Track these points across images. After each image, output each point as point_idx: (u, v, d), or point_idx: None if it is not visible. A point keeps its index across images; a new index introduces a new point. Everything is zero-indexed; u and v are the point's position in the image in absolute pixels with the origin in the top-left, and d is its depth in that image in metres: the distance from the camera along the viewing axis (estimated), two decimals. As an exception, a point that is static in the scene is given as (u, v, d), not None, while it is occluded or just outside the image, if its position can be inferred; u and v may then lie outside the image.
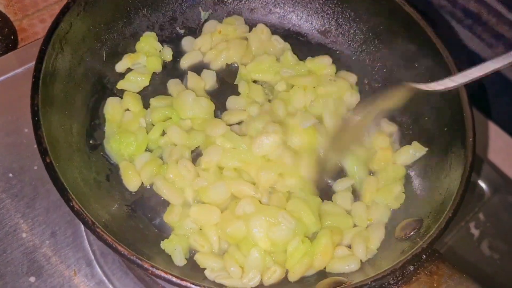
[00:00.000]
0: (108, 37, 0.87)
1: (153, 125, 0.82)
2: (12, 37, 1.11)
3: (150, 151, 0.82)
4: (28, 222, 0.89)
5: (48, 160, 0.62)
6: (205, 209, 0.73)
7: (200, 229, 0.74)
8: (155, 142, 0.81)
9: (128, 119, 0.81)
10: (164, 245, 0.72)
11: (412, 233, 0.73)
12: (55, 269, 0.86)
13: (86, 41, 0.82)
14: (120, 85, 0.85)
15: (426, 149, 0.82)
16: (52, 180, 0.61)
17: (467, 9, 1.13)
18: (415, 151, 0.83)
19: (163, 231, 0.77)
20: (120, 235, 0.66)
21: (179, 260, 0.70)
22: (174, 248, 0.70)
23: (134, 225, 0.75)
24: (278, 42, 0.94)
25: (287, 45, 0.94)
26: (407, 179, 0.84)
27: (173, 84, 0.87)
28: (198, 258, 0.71)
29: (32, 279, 0.84)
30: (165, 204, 0.78)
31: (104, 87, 0.86)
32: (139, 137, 0.79)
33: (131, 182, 0.77)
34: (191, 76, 0.87)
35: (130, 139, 0.78)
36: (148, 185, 0.79)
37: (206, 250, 0.71)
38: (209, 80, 0.89)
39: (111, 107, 0.82)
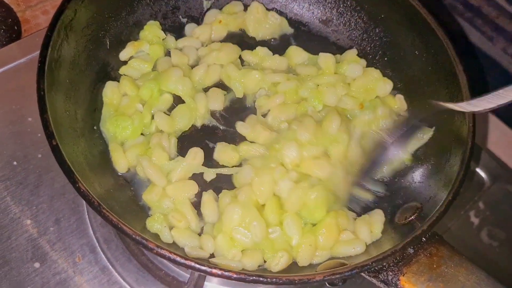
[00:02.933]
0: (112, 25, 0.88)
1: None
2: (16, 28, 1.11)
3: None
4: (33, 209, 0.90)
5: (54, 143, 0.63)
6: (182, 184, 0.75)
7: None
8: (147, 126, 0.82)
9: (125, 103, 0.82)
10: (149, 223, 0.72)
11: (412, 217, 0.73)
12: (59, 255, 0.87)
13: (90, 28, 0.83)
14: (123, 70, 0.86)
15: (433, 128, 0.83)
16: (59, 162, 0.62)
17: (468, 2, 1.14)
18: (423, 133, 0.83)
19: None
20: (123, 217, 0.66)
21: (167, 237, 0.71)
22: (164, 225, 0.71)
23: (136, 209, 0.76)
24: (275, 18, 0.95)
25: (284, 20, 0.96)
26: (408, 168, 0.84)
27: (162, 61, 0.88)
28: (174, 234, 0.72)
29: (37, 265, 0.85)
30: None
31: (108, 74, 0.87)
32: (135, 121, 0.80)
33: (119, 163, 0.78)
34: (175, 53, 0.88)
35: (126, 122, 0.79)
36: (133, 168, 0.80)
37: (182, 225, 0.72)
38: (192, 55, 0.90)
39: (110, 91, 0.83)
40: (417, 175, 0.83)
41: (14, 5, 1.16)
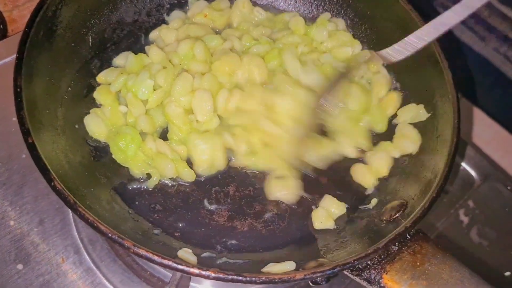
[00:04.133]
0: (94, 22, 0.87)
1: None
2: (2, 27, 1.10)
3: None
4: (16, 209, 0.89)
5: (30, 141, 0.62)
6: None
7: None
8: (133, 124, 0.81)
9: (109, 117, 0.81)
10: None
11: (397, 214, 0.72)
12: (43, 257, 0.86)
13: (71, 26, 0.82)
14: (100, 78, 0.85)
15: (429, 114, 0.83)
16: (34, 160, 0.61)
17: (459, 1, 1.13)
18: (421, 111, 0.84)
19: (151, 222, 0.76)
20: (103, 217, 0.65)
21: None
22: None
23: (118, 209, 0.75)
24: (260, 13, 0.95)
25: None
26: (396, 163, 0.84)
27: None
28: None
29: (20, 266, 0.84)
30: (159, 195, 0.79)
31: (90, 73, 0.86)
32: (129, 135, 0.78)
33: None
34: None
35: (122, 143, 0.78)
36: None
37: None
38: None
39: (93, 125, 0.80)
40: (403, 172, 0.82)
41: (1, 4, 1.15)
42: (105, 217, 0.68)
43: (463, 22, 1.11)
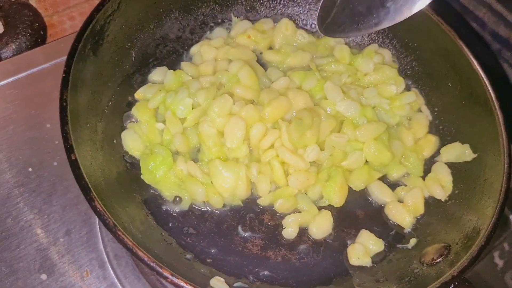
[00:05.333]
0: (139, 37, 0.86)
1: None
2: (42, 32, 1.11)
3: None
4: (44, 218, 0.88)
5: (73, 158, 0.61)
6: None
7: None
8: (169, 142, 0.80)
9: (146, 133, 0.80)
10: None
11: (439, 259, 0.69)
12: (67, 268, 0.84)
13: (117, 40, 0.81)
14: (139, 95, 0.84)
15: (475, 155, 0.80)
16: (76, 178, 0.60)
17: (496, 33, 1.10)
18: (467, 151, 0.81)
19: (184, 246, 0.75)
20: (137, 239, 0.64)
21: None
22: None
23: (151, 230, 0.73)
24: (303, 37, 0.93)
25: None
26: (437, 203, 0.81)
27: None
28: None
29: (44, 276, 0.83)
30: (193, 218, 0.77)
31: (131, 87, 0.85)
32: (161, 156, 0.77)
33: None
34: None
35: (152, 164, 0.76)
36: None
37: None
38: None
39: (130, 141, 0.80)
40: (444, 213, 0.79)
41: (42, 9, 1.16)
42: (139, 239, 0.66)
43: (499, 54, 1.09)
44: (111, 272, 0.85)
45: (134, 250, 0.55)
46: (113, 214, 0.64)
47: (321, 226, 0.77)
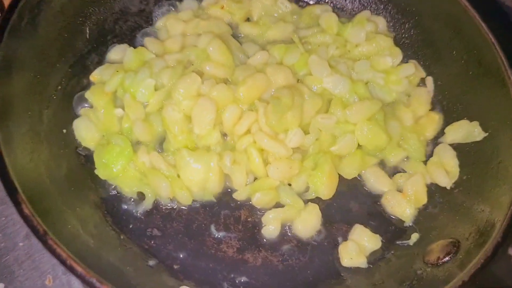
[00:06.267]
0: (93, 11, 0.75)
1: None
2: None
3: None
4: (1, 220, 0.78)
5: (-4, 151, 0.50)
6: None
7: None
8: (129, 130, 0.69)
9: (102, 121, 0.70)
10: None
11: (446, 258, 0.59)
12: (27, 276, 0.75)
13: (66, 13, 0.71)
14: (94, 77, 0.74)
15: (486, 134, 0.70)
16: (1, 177, 0.50)
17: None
18: (476, 130, 0.71)
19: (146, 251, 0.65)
20: (87, 246, 0.54)
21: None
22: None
23: (108, 234, 0.63)
24: (285, 6, 0.83)
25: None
26: (445, 190, 0.71)
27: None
28: None
29: (1, 286, 0.73)
30: (157, 217, 0.67)
31: (86, 68, 0.74)
32: (118, 147, 0.67)
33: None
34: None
35: (110, 156, 0.66)
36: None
37: None
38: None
39: (83, 130, 0.69)
40: (451, 203, 0.68)
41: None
42: (89, 246, 0.56)
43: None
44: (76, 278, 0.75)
45: (68, 263, 0.45)
46: (57, 218, 0.54)
47: (308, 223, 0.68)
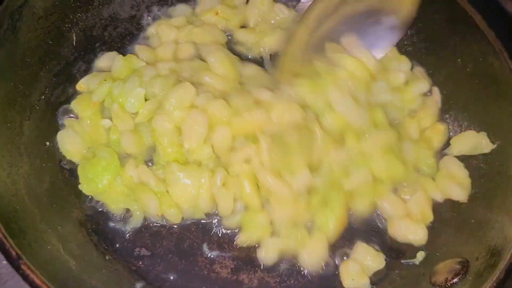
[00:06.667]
0: (80, 16, 0.71)
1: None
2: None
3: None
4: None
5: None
6: None
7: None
8: (117, 142, 0.65)
9: (89, 132, 0.66)
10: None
11: (455, 279, 0.55)
12: (10, 297, 0.70)
13: (50, 19, 0.66)
14: (81, 86, 0.69)
15: (494, 146, 0.65)
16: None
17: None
18: (484, 141, 0.67)
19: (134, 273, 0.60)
20: (67, 268, 0.50)
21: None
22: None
23: (92, 255, 0.58)
24: (282, 12, 0.79)
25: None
26: (452, 205, 0.66)
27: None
28: None
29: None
30: (146, 236, 0.63)
31: (73, 77, 0.70)
32: (104, 161, 0.62)
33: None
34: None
35: (95, 170, 0.62)
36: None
37: None
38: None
39: (67, 142, 0.65)
40: (459, 219, 0.64)
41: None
42: (70, 268, 0.52)
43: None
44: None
45: (43, 290, 0.40)
46: (33, 238, 0.50)
47: (314, 255, 0.62)
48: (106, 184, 0.62)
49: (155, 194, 0.61)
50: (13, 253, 0.43)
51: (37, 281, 0.41)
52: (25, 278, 0.42)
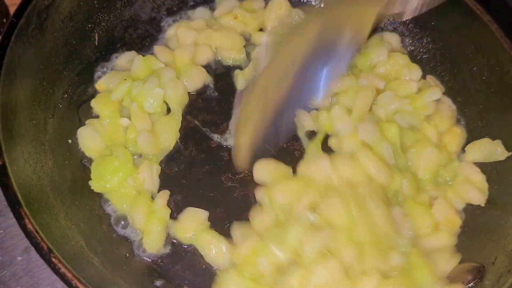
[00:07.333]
0: (103, 17, 0.73)
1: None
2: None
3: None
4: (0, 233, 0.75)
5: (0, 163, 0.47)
6: None
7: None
8: (134, 141, 0.67)
9: (108, 130, 0.67)
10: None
11: (470, 284, 0.56)
12: (25, 293, 0.71)
13: (74, 19, 0.68)
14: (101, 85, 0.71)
15: (510, 154, 0.67)
16: (3, 189, 0.47)
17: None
18: (499, 149, 0.68)
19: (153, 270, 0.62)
20: (93, 265, 0.51)
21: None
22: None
23: (115, 253, 0.60)
24: (299, 16, 0.81)
25: None
26: (466, 210, 0.67)
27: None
28: None
29: (-3, 302, 0.71)
30: None
31: (92, 76, 0.71)
32: (116, 161, 0.64)
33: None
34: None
35: (109, 168, 0.63)
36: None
37: None
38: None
39: (87, 139, 0.67)
40: (476, 224, 0.65)
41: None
42: (93, 264, 0.54)
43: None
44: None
45: (74, 284, 0.41)
46: (59, 234, 0.52)
47: None
48: (115, 184, 0.63)
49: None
50: (45, 246, 0.44)
51: (69, 275, 0.42)
52: (57, 271, 0.43)
